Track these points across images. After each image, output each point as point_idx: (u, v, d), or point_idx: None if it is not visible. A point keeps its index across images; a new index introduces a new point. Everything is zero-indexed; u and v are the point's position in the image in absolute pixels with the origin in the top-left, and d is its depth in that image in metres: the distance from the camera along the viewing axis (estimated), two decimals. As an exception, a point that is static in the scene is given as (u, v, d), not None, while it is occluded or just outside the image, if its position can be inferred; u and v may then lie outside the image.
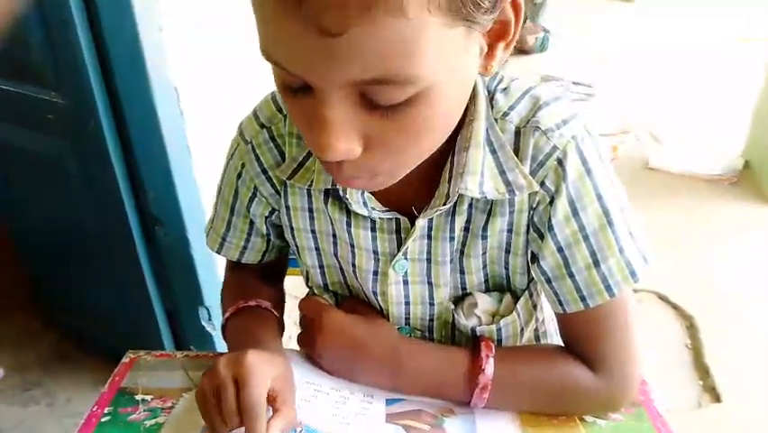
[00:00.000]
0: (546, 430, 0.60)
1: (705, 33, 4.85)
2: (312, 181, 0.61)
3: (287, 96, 0.45)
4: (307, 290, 0.75)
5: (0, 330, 1.99)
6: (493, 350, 0.61)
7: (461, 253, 0.63)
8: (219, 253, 0.74)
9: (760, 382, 1.69)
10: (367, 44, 0.37)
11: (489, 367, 0.59)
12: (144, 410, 0.64)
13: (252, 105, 0.67)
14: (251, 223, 0.70)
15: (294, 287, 0.84)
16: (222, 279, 0.80)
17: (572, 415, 0.63)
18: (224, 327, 0.71)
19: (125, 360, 0.72)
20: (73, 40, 1.19)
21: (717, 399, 1.64)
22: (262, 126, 0.65)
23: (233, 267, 0.77)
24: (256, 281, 0.76)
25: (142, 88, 1.25)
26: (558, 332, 0.67)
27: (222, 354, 0.69)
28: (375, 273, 0.65)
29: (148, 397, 0.66)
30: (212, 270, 1.53)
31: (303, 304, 0.70)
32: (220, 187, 0.71)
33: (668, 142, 3.13)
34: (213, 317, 1.60)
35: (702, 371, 1.73)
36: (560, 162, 0.56)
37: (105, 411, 0.64)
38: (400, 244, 0.63)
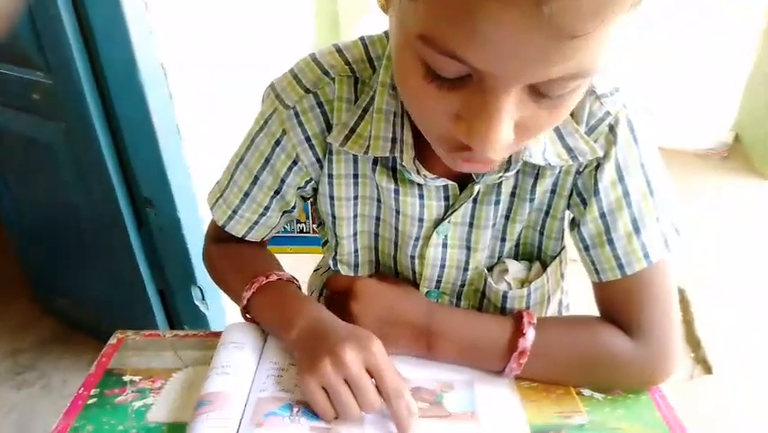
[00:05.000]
0: (544, 404, 0.60)
1: (696, 5, 4.81)
2: (368, 147, 0.60)
3: (431, 86, 0.42)
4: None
5: (-7, 315, 1.98)
6: (534, 318, 0.61)
7: (507, 217, 0.64)
8: (224, 228, 0.71)
9: (750, 354, 1.71)
10: (593, 45, 0.36)
11: (531, 333, 0.59)
12: (132, 391, 0.62)
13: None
14: (274, 195, 0.68)
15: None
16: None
17: (611, 389, 0.62)
18: (245, 307, 0.67)
19: (113, 341, 0.70)
20: (56, 18, 1.16)
21: (708, 370, 1.66)
22: (308, 91, 0.62)
23: (223, 238, 0.74)
24: (257, 252, 0.75)
25: (129, 68, 1.23)
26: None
27: (214, 333, 0.69)
28: (417, 239, 0.66)
29: (136, 378, 0.64)
30: (204, 250, 1.52)
31: (332, 279, 0.69)
32: (242, 156, 0.68)
33: (659, 117, 3.12)
34: (206, 296, 1.60)
35: (694, 343, 1.75)
36: (611, 129, 0.58)
37: (92, 393, 0.62)
38: (446, 209, 0.63)
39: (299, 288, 0.69)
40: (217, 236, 0.76)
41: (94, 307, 1.79)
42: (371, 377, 0.54)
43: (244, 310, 0.68)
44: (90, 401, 0.61)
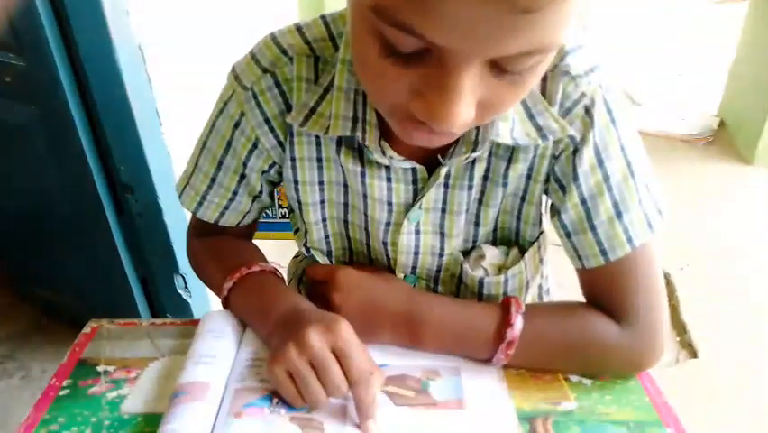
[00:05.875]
0: (532, 391, 0.59)
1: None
2: (328, 128, 0.57)
3: (387, 61, 0.40)
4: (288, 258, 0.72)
5: (-31, 305, 1.94)
6: (522, 306, 0.59)
7: (480, 202, 0.62)
8: (195, 214, 0.70)
9: (735, 338, 1.72)
10: (551, 19, 0.35)
11: (519, 322, 0.58)
12: (106, 382, 0.60)
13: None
14: (241, 179, 0.66)
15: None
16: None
17: (600, 374, 0.61)
18: (226, 298, 0.66)
19: (87, 330, 0.68)
20: (28, -3, 1.12)
21: (694, 354, 1.67)
22: (265, 71, 0.59)
23: (205, 232, 0.74)
24: (240, 244, 0.73)
25: (105, 48, 1.19)
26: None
27: (194, 320, 0.67)
28: (387, 224, 0.64)
29: (110, 368, 0.62)
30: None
31: (312, 269, 0.67)
32: (204, 140, 0.66)
33: (644, 103, 3.12)
34: (189, 284, 1.57)
35: (679, 327, 1.75)
36: (587, 111, 0.56)
37: (64, 384, 0.60)
38: (416, 194, 0.61)
39: (282, 279, 0.67)
40: (199, 230, 0.75)
41: (74, 295, 1.76)
42: (338, 361, 0.52)
43: (225, 302, 0.66)
44: (63, 392, 0.59)
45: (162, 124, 1.37)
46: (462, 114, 0.40)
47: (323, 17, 0.60)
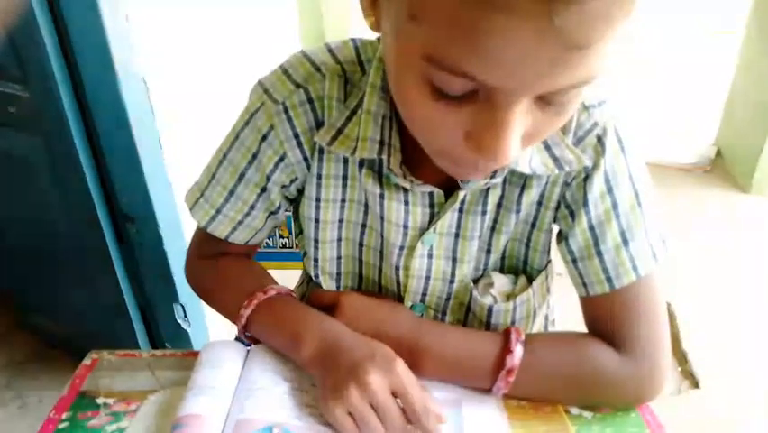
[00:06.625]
0: (532, 422, 0.59)
1: (678, 27, 4.89)
2: (355, 149, 0.58)
3: (437, 104, 0.41)
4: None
5: (-33, 334, 1.93)
6: (522, 335, 0.59)
7: (492, 228, 0.63)
8: (206, 229, 0.69)
9: (736, 368, 1.71)
10: (600, 52, 0.36)
11: (519, 350, 0.58)
12: (106, 415, 0.60)
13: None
14: (261, 192, 0.66)
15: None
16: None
17: (600, 406, 0.61)
18: (246, 325, 0.65)
19: (87, 361, 0.68)
20: (35, 30, 1.14)
21: (695, 384, 1.65)
22: (298, 86, 0.60)
23: (209, 251, 0.73)
24: (247, 265, 0.73)
25: (109, 80, 1.21)
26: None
27: (195, 352, 0.67)
28: (401, 248, 0.64)
29: (110, 400, 0.62)
30: (186, 266, 1.49)
31: (317, 295, 0.67)
32: (225, 152, 0.66)
33: (643, 132, 3.15)
34: (188, 314, 1.57)
35: (680, 357, 1.74)
36: (599, 139, 0.58)
37: (63, 417, 0.60)
38: (431, 218, 0.62)
39: (297, 299, 0.67)
40: (200, 252, 0.74)
41: (72, 324, 1.75)
42: (396, 398, 0.53)
43: (244, 329, 0.65)
44: (62, 426, 0.59)
45: (164, 153, 1.38)
46: (513, 148, 0.41)
47: (353, 41, 0.62)
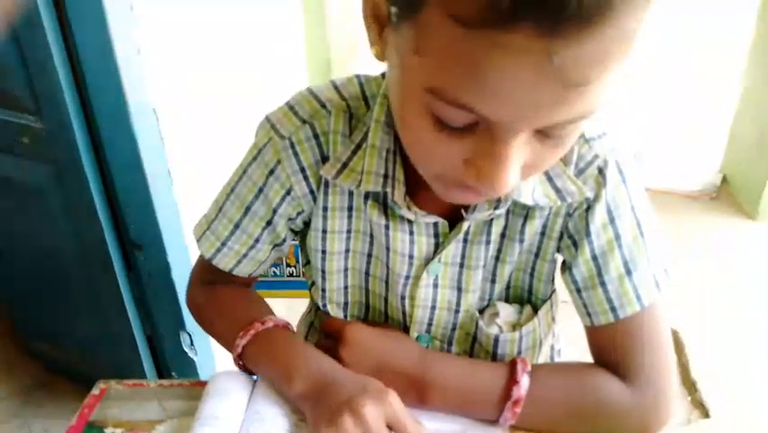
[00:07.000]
0: (540, 455, 0.59)
1: (681, 44, 4.93)
2: (360, 182, 0.60)
3: (440, 135, 0.43)
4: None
5: (-25, 361, 1.93)
6: (528, 365, 0.60)
7: (497, 258, 0.64)
8: (212, 261, 0.70)
9: (746, 396, 1.69)
10: (599, 88, 0.38)
11: (525, 381, 0.58)
12: (114, 445, 0.60)
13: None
14: (266, 226, 0.67)
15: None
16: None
17: None
18: (240, 355, 0.65)
19: (95, 391, 0.68)
20: (49, 62, 1.17)
21: (705, 414, 1.63)
22: (304, 122, 0.62)
23: (211, 279, 0.73)
24: (246, 295, 0.73)
25: (121, 111, 1.23)
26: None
27: (201, 382, 0.67)
28: (407, 278, 0.65)
29: (118, 430, 0.62)
30: (193, 294, 1.50)
31: (325, 323, 0.68)
32: (233, 186, 0.67)
33: (647, 159, 3.16)
34: (195, 342, 1.57)
35: (690, 386, 1.73)
36: (600, 171, 0.59)
37: (72, 447, 0.60)
38: (436, 247, 0.63)
39: (293, 332, 0.68)
40: (203, 279, 0.75)
41: (78, 351, 1.75)
42: (390, 429, 0.53)
43: (238, 358, 0.66)
44: (70, 456, 0.59)
45: (173, 182, 1.40)
46: (511, 179, 0.43)
47: (357, 77, 0.64)
